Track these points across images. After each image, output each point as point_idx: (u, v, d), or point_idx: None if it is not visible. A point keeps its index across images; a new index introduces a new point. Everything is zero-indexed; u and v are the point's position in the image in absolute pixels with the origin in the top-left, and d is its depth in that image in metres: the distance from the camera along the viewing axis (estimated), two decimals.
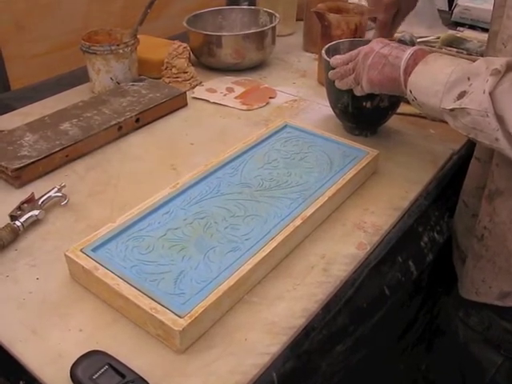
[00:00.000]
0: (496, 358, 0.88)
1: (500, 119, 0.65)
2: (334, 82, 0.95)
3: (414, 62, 0.80)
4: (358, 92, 0.91)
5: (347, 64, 0.91)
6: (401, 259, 0.83)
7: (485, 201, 0.81)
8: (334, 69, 0.94)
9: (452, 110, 0.71)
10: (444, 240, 0.94)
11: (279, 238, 0.71)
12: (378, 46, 0.86)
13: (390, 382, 1.07)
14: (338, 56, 0.93)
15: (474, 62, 0.71)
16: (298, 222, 0.74)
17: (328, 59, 0.96)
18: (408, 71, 0.80)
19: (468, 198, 0.90)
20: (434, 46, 1.37)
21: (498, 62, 0.66)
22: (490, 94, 0.65)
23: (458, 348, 0.94)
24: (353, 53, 0.91)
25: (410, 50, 0.81)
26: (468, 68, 0.71)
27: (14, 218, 0.78)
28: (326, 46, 1.02)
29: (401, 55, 0.82)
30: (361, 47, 0.90)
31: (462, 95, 0.69)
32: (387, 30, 0.99)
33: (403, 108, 1.07)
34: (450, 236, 0.96)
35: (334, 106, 1.02)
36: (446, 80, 0.72)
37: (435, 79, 0.74)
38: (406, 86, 0.80)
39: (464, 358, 0.94)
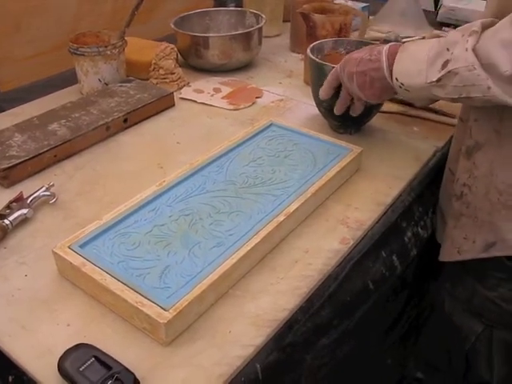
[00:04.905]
0: (477, 327, 0.91)
1: (487, 68, 0.67)
2: (319, 81, 0.97)
3: (393, 59, 0.81)
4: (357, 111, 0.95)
5: (332, 90, 0.94)
6: (384, 254, 0.84)
7: (462, 158, 0.83)
8: (322, 74, 0.96)
9: (439, 80, 0.73)
10: (428, 235, 0.96)
11: (263, 234, 0.73)
12: (353, 65, 0.87)
13: (379, 376, 1.08)
14: (321, 91, 0.96)
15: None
16: (281, 217, 0.76)
17: (314, 57, 0.98)
18: (391, 69, 0.82)
19: (453, 165, 0.92)
20: None
21: (473, 25, 0.69)
22: (473, 50, 0.68)
23: (444, 321, 0.96)
24: (329, 79, 0.93)
25: (384, 57, 0.83)
26: (444, 40, 0.73)
27: (2, 216, 0.79)
28: (311, 46, 1.04)
29: (379, 66, 0.84)
30: (334, 68, 0.92)
31: (445, 64, 0.72)
32: None
33: (387, 106, 1.09)
34: (434, 231, 0.98)
35: (318, 105, 1.04)
36: (427, 57, 0.75)
37: (416, 60, 0.77)
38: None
39: (448, 330, 0.97)
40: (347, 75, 0.88)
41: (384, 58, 0.83)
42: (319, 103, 1.03)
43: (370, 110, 1.00)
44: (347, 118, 0.99)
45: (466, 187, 0.83)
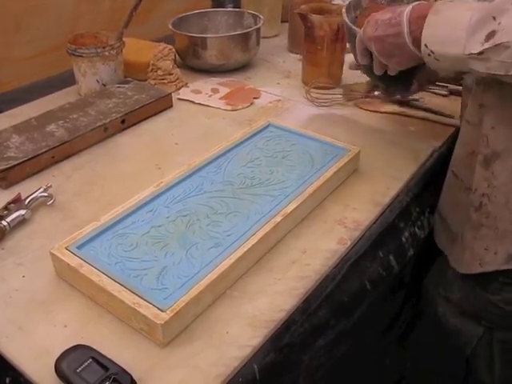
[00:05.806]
0: (477, 330, 0.90)
1: None
2: (351, 43, 0.92)
3: (416, 24, 0.75)
4: (392, 72, 0.86)
5: (364, 55, 0.87)
6: (382, 254, 0.84)
7: (480, 167, 0.79)
8: (351, 36, 0.91)
9: (481, 52, 0.65)
10: (425, 235, 0.96)
11: (260, 234, 0.73)
12: (371, 30, 0.81)
13: (377, 376, 1.08)
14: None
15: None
16: (278, 218, 0.76)
17: (345, 18, 0.93)
18: (416, 35, 0.75)
19: (459, 169, 0.88)
20: None
21: None
22: None
23: (439, 327, 0.95)
24: (357, 45, 0.87)
25: (405, 20, 0.76)
26: (490, 7, 0.65)
27: (0, 217, 0.79)
28: (348, 3, 0.98)
29: (399, 31, 0.77)
30: (359, 34, 0.86)
31: (491, 35, 0.64)
32: None
33: (385, 107, 1.09)
34: (431, 231, 0.98)
35: (357, 66, 0.97)
36: (468, 24, 0.66)
37: (454, 26, 0.68)
38: (419, 51, 0.75)
39: (445, 335, 0.95)
40: (367, 41, 0.82)
41: (405, 22, 0.75)
42: (358, 65, 0.95)
43: (411, 73, 0.88)
44: (388, 78, 0.90)
45: (485, 197, 0.80)
